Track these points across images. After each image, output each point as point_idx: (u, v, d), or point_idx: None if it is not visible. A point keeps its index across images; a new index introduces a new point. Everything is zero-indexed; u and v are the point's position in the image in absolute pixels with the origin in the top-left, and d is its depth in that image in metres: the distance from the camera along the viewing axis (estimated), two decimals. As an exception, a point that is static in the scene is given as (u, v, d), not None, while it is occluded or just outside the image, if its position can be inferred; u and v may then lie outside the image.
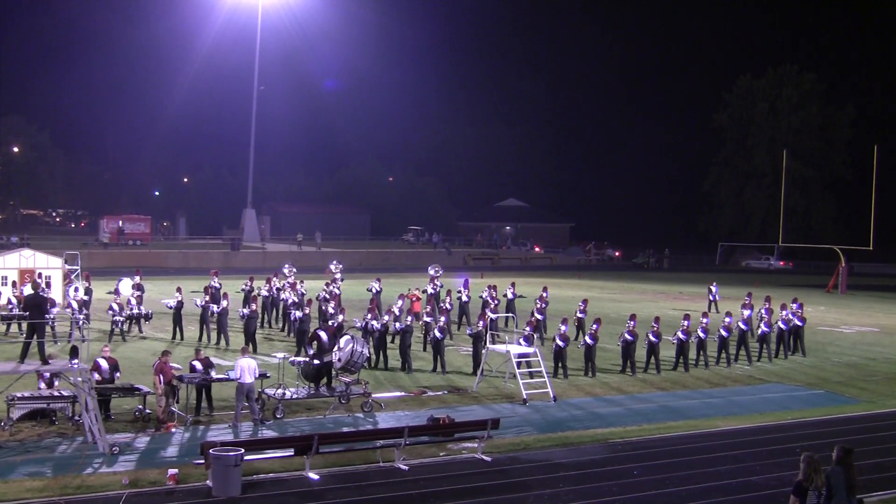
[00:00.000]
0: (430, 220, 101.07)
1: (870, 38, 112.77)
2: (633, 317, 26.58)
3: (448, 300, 30.72)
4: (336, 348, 20.70)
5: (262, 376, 19.38)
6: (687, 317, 27.36)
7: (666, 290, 54.73)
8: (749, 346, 28.42)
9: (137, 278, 31.89)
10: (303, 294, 30.79)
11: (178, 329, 28.99)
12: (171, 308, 29.29)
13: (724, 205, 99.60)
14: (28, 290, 18.39)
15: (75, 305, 28.68)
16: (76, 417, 17.50)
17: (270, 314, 32.63)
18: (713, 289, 41.59)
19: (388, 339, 26.11)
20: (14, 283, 32.11)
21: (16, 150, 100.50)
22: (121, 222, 71.42)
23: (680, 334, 26.34)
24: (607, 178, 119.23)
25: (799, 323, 30.07)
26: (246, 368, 18.53)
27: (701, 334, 26.77)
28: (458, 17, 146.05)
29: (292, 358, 21.84)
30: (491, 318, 27.22)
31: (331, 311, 27.62)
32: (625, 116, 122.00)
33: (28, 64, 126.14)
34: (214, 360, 20.64)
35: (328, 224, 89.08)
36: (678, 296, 50.93)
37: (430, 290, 33.41)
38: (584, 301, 31.77)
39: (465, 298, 32.97)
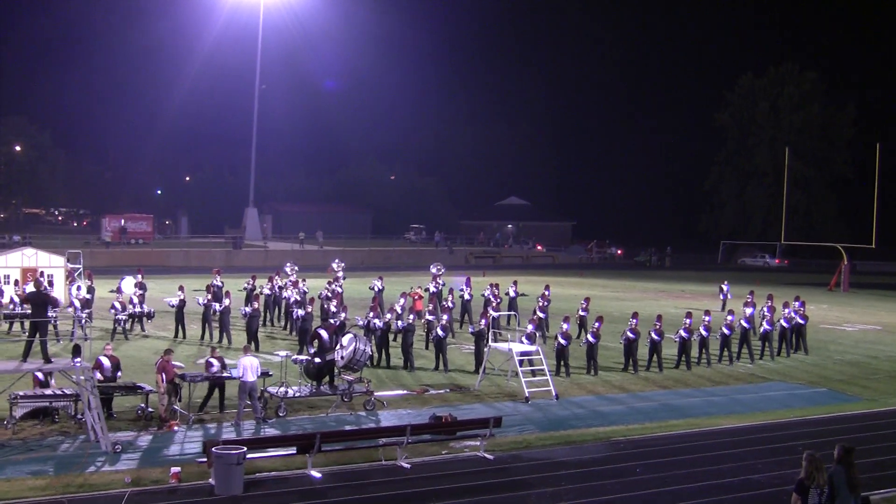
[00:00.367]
0: (431, 218, 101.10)
1: (871, 37, 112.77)
2: (635, 315, 26.60)
3: (450, 298, 30.73)
4: (339, 346, 20.72)
5: (265, 375, 19.41)
6: (689, 315, 27.35)
7: (668, 289, 54.72)
8: (751, 345, 28.40)
9: (139, 277, 31.92)
10: (305, 292, 30.82)
11: (180, 328, 29.01)
12: (173, 307, 29.32)
13: (725, 204, 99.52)
14: (30, 288, 18.36)
15: (77, 304, 28.70)
16: (78, 416, 17.51)
17: (273, 312, 32.67)
18: (724, 287, 41.36)
19: (391, 337, 26.14)
20: (16, 282, 32.12)
21: (17, 149, 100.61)
22: (123, 221, 71.46)
23: (682, 332, 26.34)
24: (609, 176, 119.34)
25: (801, 321, 30.07)
26: (248, 367, 18.56)
27: (703, 332, 26.77)
28: (459, 16, 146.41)
29: (294, 356, 21.86)
30: (493, 317, 27.22)
31: (333, 309, 27.62)
32: (626, 115, 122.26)
33: (29, 64, 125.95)
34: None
35: (330, 223, 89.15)
36: (680, 294, 50.93)
37: (432, 289, 33.40)
38: (586, 299, 31.75)
39: (467, 297, 33.00)
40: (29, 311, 18.17)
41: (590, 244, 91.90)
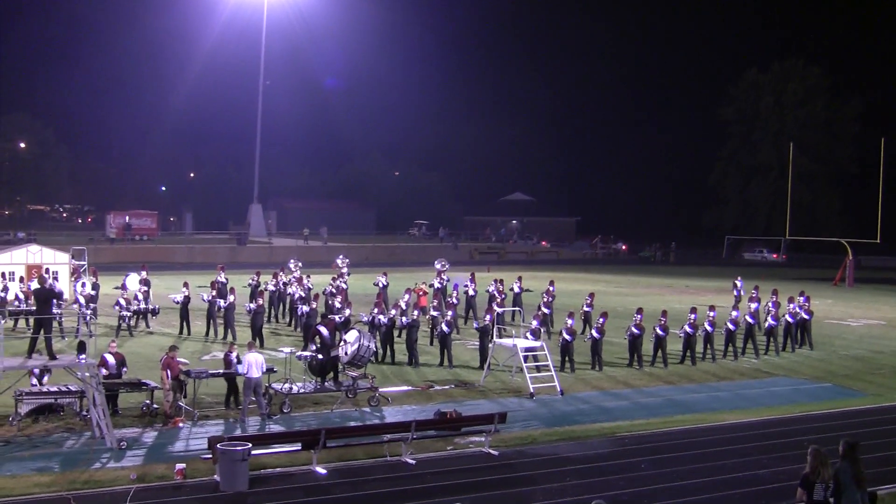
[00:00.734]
0: (435, 214, 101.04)
1: (876, 32, 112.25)
2: (639, 310, 26.58)
3: (455, 294, 30.71)
4: (343, 342, 20.72)
5: (270, 371, 19.41)
6: (694, 310, 27.32)
7: (672, 284, 54.67)
8: (756, 340, 28.34)
9: (144, 273, 31.94)
10: (309, 288, 30.83)
11: (184, 324, 29.04)
12: (177, 303, 29.33)
13: (729, 199, 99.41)
14: (35, 284, 18.37)
15: (82, 301, 28.75)
16: (84, 413, 17.53)
17: (277, 309, 32.70)
18: (738, 283, 41.17)
19: (395, 333, 26.15)
20: (21, 279, 32.18)
21: (22, 146, 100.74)
22: (127, 218, 71.56)
23: (687, 328, 26.31)
24: (613, 172, 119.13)
25: (806, 316, 30.02)
26: (253, 363, 18.57)
27: (708, 328, 26.73)
28: (463, 13, 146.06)
29: (299, 353, 21.84)
30: (497, 313, 27.21)
31: (337, 305, 27.64)
32: (631, 110, 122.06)
33: (33, 60, 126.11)
34: (219, 355, 20.66)
35: (334, 219, 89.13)
36: (685, 289, 50.86)
37: (436, 285, 33.41)
38: (591, 295, 31.75)
39: (471, 293, 32.99)
40: (34, 308, 18.17)
41: (594, 240, 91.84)
